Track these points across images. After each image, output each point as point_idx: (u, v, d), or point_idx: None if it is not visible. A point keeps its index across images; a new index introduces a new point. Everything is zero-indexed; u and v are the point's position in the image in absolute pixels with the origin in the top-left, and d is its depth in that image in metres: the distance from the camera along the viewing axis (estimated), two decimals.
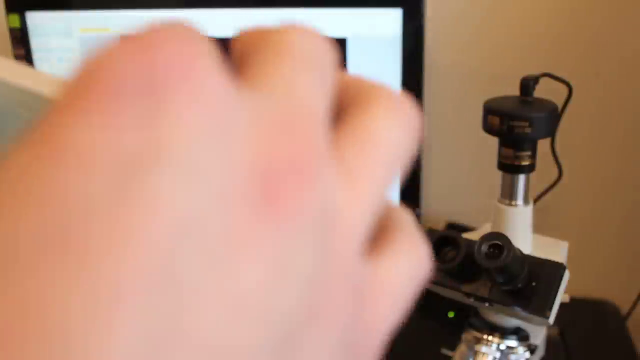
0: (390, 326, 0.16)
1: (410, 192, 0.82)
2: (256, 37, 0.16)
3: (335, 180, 0.14)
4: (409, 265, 0.17)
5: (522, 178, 0.57)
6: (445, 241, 0.55)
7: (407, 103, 0.17)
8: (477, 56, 0.90)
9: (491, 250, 0.52)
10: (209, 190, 0.11)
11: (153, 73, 0.12)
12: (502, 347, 0.60)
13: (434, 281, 0.57)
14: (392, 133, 0.16)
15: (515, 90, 0.57)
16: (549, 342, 0.71)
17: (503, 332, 0.60)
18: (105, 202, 0.11)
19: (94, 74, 0.12)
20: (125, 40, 0.12)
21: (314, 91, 0.15)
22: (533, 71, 0.57)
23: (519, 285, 0.53)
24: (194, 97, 0.12)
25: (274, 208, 0.12)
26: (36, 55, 0.84)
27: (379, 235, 0.17)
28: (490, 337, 0.60)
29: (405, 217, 0.18)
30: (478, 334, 0.60)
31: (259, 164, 0.12)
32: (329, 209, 0.14)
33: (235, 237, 0.12)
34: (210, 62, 0.12)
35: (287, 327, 0.12)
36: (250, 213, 0.12)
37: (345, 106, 0.17)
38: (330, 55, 0.16)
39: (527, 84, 0.56)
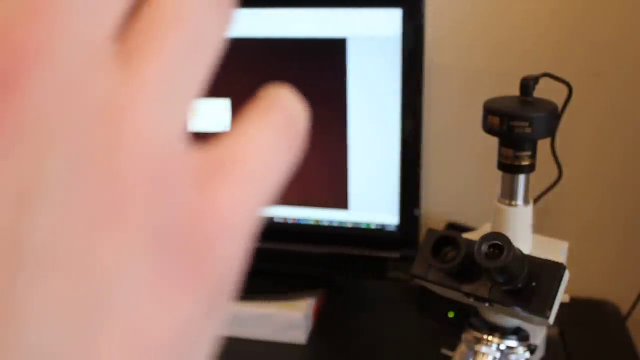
0: (251, 209, 0.14)
1: (410, 192, 0.82)
2: None
3: (96, 66, 0.12)
4: (272, 134, 0.15)
5: (522, 178, 0.57)
6: (445, 241, 0.55)
7: None
8: (477, 56, 0.90)
9: (491, 250, 0.52)
10: None
11: None
12: (502, 347, 0.60)
13: (434, 281, 0.57)
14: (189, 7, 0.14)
15: (515, 90, 0.57)
16: (549, 342, 0.71)
17: (503, 332, 0.60)
18: None
19: None
20: None
21: None
22: (533, 71, 0.57)
23: (519, 285, 0.53)
24: None
25: None
26: None
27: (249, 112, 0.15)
28: (490, 337, 0.60)
29: (274, 90, 0.16)
30: (478, 334, 0.60)
31: None
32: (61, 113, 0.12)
33: None
34: None
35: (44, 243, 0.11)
36: None
37: None
38: None
39: (527, 84, 0.56)
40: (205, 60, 0.14)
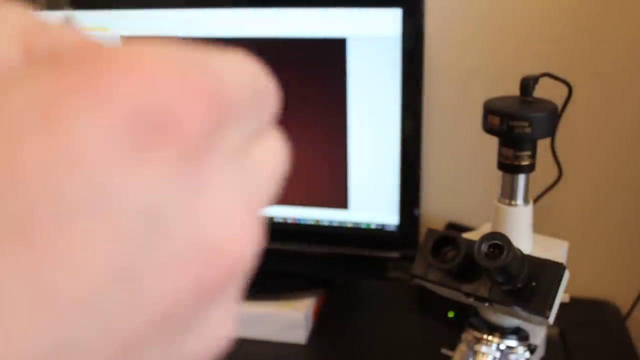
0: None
1: (410, 192, 0.82)
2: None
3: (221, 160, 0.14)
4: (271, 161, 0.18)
5: (522, 178, 0.57)
6: (445, 241, 0.55)
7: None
8: (477, 56, 0.90)
9: (491, 250, 0.52)
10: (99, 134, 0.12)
11: None
12: (502, 347, 0.60)
13: (434, 281, 0.57)
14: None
15: (515, 90, 0.57)
16: (549, 342, 0.71)
17: (503, 332, 0.60)
18: None
19: None
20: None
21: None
22: (533, 71, 0.57)
23: (519, 285, 0.53)
24: None
25: (140, 150, 0.13)
26: None
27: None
28: (490, 337, 0.60)
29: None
30: (478, 334, 0.60)
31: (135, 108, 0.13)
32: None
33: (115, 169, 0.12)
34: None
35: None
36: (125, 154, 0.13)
37: None
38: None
39: (527, 84, 0.56)
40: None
